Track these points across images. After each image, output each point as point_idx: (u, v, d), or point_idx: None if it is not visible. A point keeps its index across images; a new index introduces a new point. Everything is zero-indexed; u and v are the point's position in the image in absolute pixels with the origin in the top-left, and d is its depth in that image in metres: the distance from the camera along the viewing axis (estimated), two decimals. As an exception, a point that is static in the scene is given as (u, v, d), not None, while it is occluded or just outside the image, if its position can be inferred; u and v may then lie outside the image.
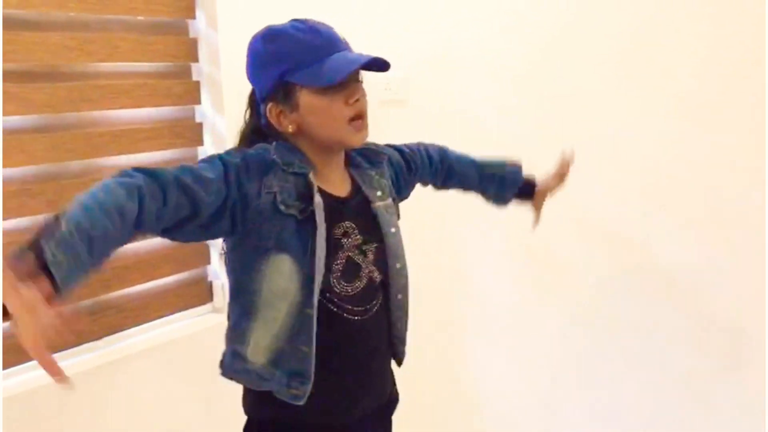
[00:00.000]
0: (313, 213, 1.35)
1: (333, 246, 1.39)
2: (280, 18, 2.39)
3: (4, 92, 1.82)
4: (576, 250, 2.45)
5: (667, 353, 2.34)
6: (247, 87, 1.50)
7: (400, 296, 1.52)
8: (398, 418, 1.65)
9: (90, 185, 1.12)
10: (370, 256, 1.46)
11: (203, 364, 2.18)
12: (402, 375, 1.57)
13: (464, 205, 2.57)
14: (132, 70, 2.12)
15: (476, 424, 2.73)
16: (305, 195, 1.36)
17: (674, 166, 2.26)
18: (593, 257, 2.43)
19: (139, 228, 1.15)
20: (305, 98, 1.36)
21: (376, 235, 1.47)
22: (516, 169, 1.83)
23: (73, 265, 0.99)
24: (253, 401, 1.46)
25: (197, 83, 2.27)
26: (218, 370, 1.47)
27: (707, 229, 2.24)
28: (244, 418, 1.51)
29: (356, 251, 1.44)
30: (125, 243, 1.14)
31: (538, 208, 1.84)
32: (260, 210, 1.32)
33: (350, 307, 1.42)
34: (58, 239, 0.99)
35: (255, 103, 1.45)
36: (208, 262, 2.34)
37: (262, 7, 2.31)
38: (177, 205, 1.21)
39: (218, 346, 2.17)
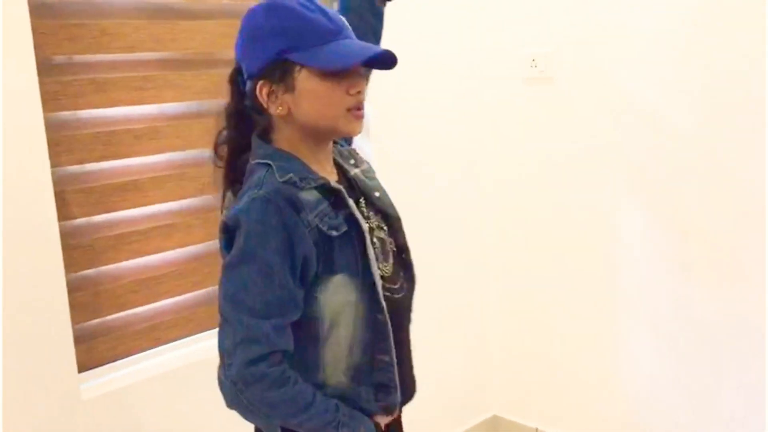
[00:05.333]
0: (351, 219, 1.30)
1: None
2: (422, 11, 2.39)
3: (164, 80, 1.91)
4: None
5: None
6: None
7: (406, 256, 1.44)
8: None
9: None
10: (384, 228, 1.40)
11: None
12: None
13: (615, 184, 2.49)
14: (281, 54, 2.17)
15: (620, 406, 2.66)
16: (337, 203, 1.30)
17: None
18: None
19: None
20: (304, 81, 1.26)
21: (372, 204, 1.40)
22: None
23: None
24: None
25: (343, 66, 2.30)
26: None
27: None
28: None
29: (378, 229, 1.38)
30: None
31: None
32: (316, 249, 1.25)
33: (391, 285, 1.37)
34: None
35: (237, 83, 1.34)
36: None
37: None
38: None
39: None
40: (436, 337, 1.62)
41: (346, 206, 1.30)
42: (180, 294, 1.99)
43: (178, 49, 1.94)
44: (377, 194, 1.41)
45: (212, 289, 2.05)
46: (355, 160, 1.44)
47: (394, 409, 1.36)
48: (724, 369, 2.35)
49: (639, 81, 2.41)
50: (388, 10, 1.85)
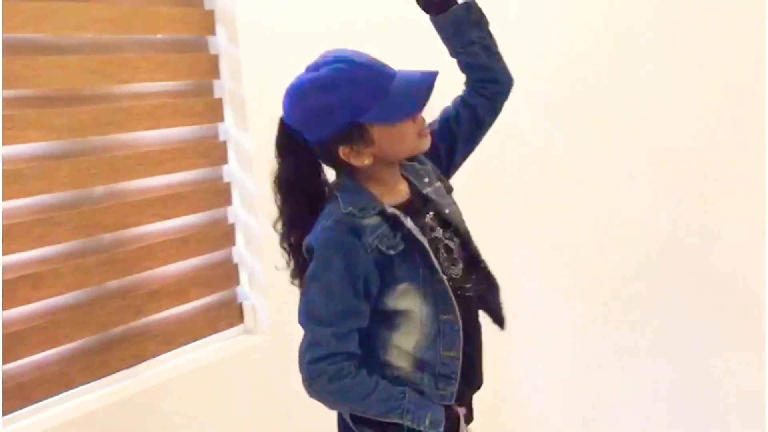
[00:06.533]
0: (409, 236, 1.45)
1: (432, 245, 1.49)
2: (302, 30, 2.33)
3: (25, 119, 1.78)
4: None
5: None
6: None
7: (483, 265, 1.62)
8: None
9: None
10: (454, 240, 1.56)
11: (238, 388, 2.13)
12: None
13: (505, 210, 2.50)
14: (154, 90, 2.06)
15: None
16: (395, 225, 1.44)
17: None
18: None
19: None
20: (379, 132, 1.41)
21: (444, 220, 1.56)
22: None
23: None
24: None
25: (220, 100, 2.21)
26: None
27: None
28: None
29: (446, 239, 1.54)
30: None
31: None
32: (377, 269, 1.43)
33: (462, 285, 1.54)
34: None
35: (289, 148, 1.46)
36: (238, 284, 2.28)
37: (284, 20, 2.25)
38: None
39: (252, 369, 2.12)
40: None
41: (404, 226, 1.44)
42: (49, 349, 1.83)
43: (40, 86, 1.81)
44: (447, 211, 1.56)
45: (84, 342, 1.91)
46: (430, 179, 1.57)
47: (451, 397, 1.50)
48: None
49: (515, 105, 2.39)
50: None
